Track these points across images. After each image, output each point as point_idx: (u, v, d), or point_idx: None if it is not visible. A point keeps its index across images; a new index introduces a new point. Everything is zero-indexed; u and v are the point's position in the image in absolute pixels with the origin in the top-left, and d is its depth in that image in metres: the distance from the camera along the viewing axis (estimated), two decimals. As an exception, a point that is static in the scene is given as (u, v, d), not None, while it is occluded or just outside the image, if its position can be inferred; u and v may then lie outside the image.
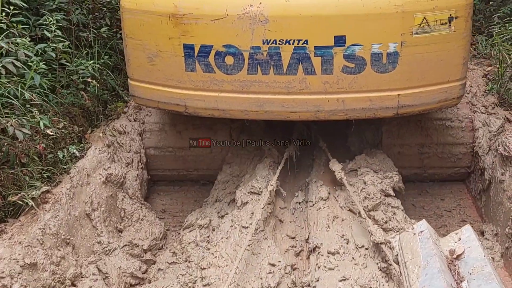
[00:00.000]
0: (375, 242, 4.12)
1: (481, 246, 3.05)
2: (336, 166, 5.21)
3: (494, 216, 5.14)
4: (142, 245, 5.08)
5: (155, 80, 5.00)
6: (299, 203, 5.19)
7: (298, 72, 4.54)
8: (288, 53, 4.49)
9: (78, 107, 5.88)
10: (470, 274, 2.79)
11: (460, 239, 3.15)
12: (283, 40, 4.46)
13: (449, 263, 2.93)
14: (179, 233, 5.22)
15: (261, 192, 4.92)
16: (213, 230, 4.90)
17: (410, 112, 4.75)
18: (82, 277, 4.52)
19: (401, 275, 3.09)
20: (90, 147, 5.49)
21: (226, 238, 4.61)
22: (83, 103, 5.81)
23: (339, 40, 4.42)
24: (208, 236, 4.86)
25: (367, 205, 4.61)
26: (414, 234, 3.27)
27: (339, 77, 4.53)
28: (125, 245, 5.01)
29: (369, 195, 4.70)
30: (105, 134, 5.77)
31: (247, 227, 4.51)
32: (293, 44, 4.45)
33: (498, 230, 5.04)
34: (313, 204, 4.90)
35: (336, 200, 4.94)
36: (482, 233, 5.17)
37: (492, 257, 4.76)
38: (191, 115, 5.05)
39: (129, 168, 5.83)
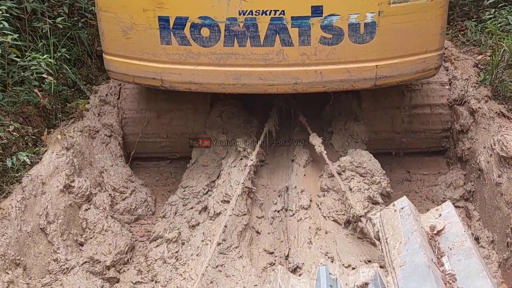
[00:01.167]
0: (355, 215, 4.05)
1: (461, 221, 3.05)
2: (316, 140, 5.08)
3: (490, 221, 4.72)
4: (105, 261, 4.57)
5: (130, 54, 4.87)
6: (278, 211, 4.71)
7: (275, 43, 4.46)
8: (264, 24, 4.41)
9: (34, 106, 5.32)
10: (451, 249, 2.80)
11: (440, 215, 3.14)
12: (259, 10, 4.38)
13: (430, 239, 2.94)
14: (146, 247, 4.71)
15: (236, 200, 4.43)
16: (183, 244, 4.41)
17: (388, 83, 4.72)
18: None
19: (382, 251, 3.06)
20: (46, 151, 4.94)
21: (197, 255, 4.13)
22: (38, 101, 5.24)
23: (316, 10, 4.36)
24: (177, 252, 4.37)
25: (353, 215, 4.14)
26: (395, 210, 3.24)
27: (316, 48, 4.46)
28: (85, 262, 4.50)
29: (356, 203, 4.22)
30: (64, 135, 5.21)
31: (220, 243, 4.02)
32: (269, 14, 4.38)
33: (495, 237, 4.61)
34: (293, 214, 4.43)
35: (319, 208, 4.47)
36: (476, 240, 4.74)
37: (489, 267, 4.34)
38: (167, 89, 4.94)
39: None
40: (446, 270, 2.68)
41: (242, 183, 4.63)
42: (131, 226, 5.20)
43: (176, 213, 4.89)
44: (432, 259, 2.70)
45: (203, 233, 4.33)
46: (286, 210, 4.63)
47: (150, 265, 4.35)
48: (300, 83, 4.61)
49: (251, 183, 4.84)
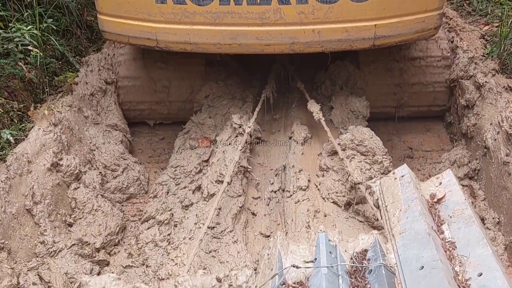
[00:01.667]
0: (353, 182, 3.98)
1: (461, 190, 3.03)
2: (314, 107, 4.92)
3: (496, 201, 4.52)
4: (94, 243, 4.38)
5: (125, 14, 4.71)
6: (275, 191, 4.51)
7: (272, 2, 4.32)
8: (261, -19, 4.25)
9: (19, 80, 5.06)
10: (451, 217, 2.78)
11: (441, 183, 3.11)
12: (255, -34, 4.22)
13: (430, 207, 2.92)
14: (138, 228, 4.51)
15: (231, 181, 4.22)
16: (175, 226, 4.21)
17: (387, 43, 4.61)
18: None
19: (381, 218, 3.05)
20: (32, 127, 4.71)
21: (189, 238, 3.94)
22: (24, 75, 4.99)
23: (314, -33, 4.21)
24: (169, 234, 4.17)
25: (354, 197, 3.94)
26: (395, 178, 3.21)
27: (314, 6, 4.33)
28: (74, 244, 4.31)
29: (356, 185, 4.02)
30: (52, 110, 4.97)
31: (213, 227, 3.82)
32: (266, -29, 4.21)
33: (501, 218, 4.42)
34: (291, 195, 4.23)
35: (318, 189, 4.27)
36: (482, 221, 4.54)
37: (495, 249, 4.15)
38: (162, 49, 4.80)
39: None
40: (446, 238, 2.66)
41: (237, 161, 4.42)
42: (122, 206, 5.00)
43: (168, 193, 4.68)
44: (432, 226, 2.68)
45: (196, 215, 4.14)
46: (283, 190, 4.43)
47: (141, 248, 4.16)
48: (297, 43, 4.47)
49: (247, 162, 4.63)
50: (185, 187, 4.67)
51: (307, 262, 2.59)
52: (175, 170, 4.83)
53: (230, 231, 3.93)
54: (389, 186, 3.19)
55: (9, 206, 4.02)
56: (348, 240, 2.85)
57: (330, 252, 2.64)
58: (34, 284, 3.86)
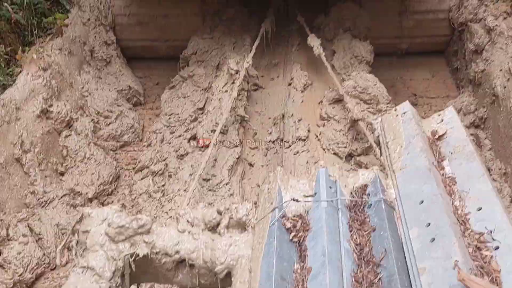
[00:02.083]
0: (353, 119, 3.93)
1: (463, 127, 3.04)
2: (314, 41, 4.71)
3: (503, 152, 4.36)
4: (87, 193, 4.27)
5: None
6: (273, 141, 4.33)
7: None
8: None
9: (6, 21, 4.81)
10: (452, 153, 2.80)
11: (442, 120, 3.09)
12: None
13: (431, 144, 2.92)
14: (132, 177, 4.38)
15: (227, 130, 4.04)
16: (170, 177, 4.07)
17: None
18: (9, 241, 3.76)
19: (381, 155, 3.07)
20: (20, 71, 4.50)
21: (184, 190, 3.80)
22: (11, 16, 4.74)
23: None
24: (163, 185, 4.04)
25: (356, 148, 3.77)
26: (397, 115, 3.19)
27: None
28: (65, 194, 4.21)
29: (358, 135, 3.85)
30: (41, 54, 4.74)
31: (209, 179, 3.67)
32: None
33: (508, 169, 4.27)
34: (290, 146, 4.06)
35: (318, 139, 4.10)
36: (488, 170, 4.38)
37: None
38: None
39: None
40: (447, 174, 2.68)
41: (234, 109, 4.23)
42: (116, 154, 4.84)
43: (162, 141, 4.51)
44: (433, 162, 2.70)
45: (191, 165, 3.98)
46: (282, 141, 4.26)
47: (134, 199, 4.04)
48: None
49: (244, 110, 4.42)
50: (180, 136, 4.49)
51: (307, 196, 2.59)
52: (169, 118, 4.64)
53: (226, 184, 3.79)
54: (390, 123, 3.17)
55: (-4, 155, 3.88)
56: (348, 176, 2.82)
57: (330, 187, 2.62)
58: (24, 235, 3.80)
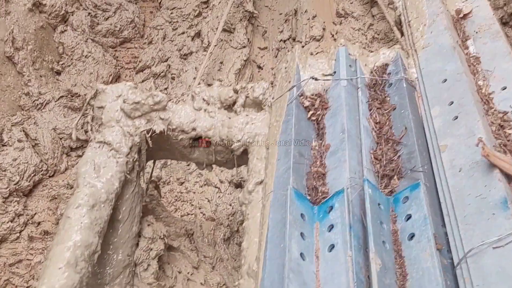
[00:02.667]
0: None
1: (489, 5, 2.87)
2: None
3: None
4: (85, 94, 4.01)
5: None
6: (284, 41, 3.99)
7: None
8: None
9: None
10: (476, 32, 2.70)
11: None
12: None
13: (455, 23, 2.82)
14: (133, 78, 4.11)
15: (234, 29, 3.69)
16: (173, 79, 3.79)
17: None
18: (3, 146, 3.58)
19: (402, 35, 2.96)
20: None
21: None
22: None
23: None
24: (166, 88, 3.79)
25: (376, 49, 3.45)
26: None
27: None
28: (62, 96, 3.96)
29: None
30: None
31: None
32: None
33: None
34: (303, 46, 3.72)
35: (334, 39, 3.76)
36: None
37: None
38: None
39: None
40: (471, 53, 2.59)
41: (242, 4, 3.85)
42: (115, 51, 4.53)
43: (164, 39, 4.18)
44: (457, 41, 2.62)
45: (195, 67, 3.68)
46: (294, 40, 3.91)
47: (134, 103, 3.78)
48: None
49: (253, 6, 4.03)
50: (183, 33, 4.16)
51: (326, 75, 2.53)
52: (171, 13, 4.26)
53: (233, 89, 3.50)
54: (413, 1, 3.04)
55: (-14, 53, 3.60)
56: (369, 55, 2.72)
57: (350, 65, 2.54)
58: (19, 141, 3.62)
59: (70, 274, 1.80)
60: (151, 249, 2.45)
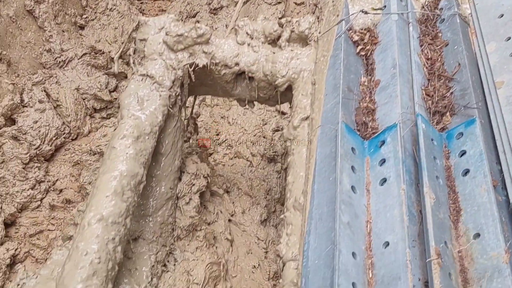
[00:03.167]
0: None
1: None
2: None
3: None
4: (110, 52, 3.91)
5: None
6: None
7: None
8: None
9: None
10: None
11: None
12: None
13: None
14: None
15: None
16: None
17: None
18: (24, 107, 3.38)
19: None
20: None
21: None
22: None
23: None
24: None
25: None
26: None
27: None
28: (86, 53, 3.82)
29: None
30: None
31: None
32: None
33: None
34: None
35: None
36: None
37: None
38: None
39: None
40: None
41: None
42: (141, 3, 4.42)
43: (193, -10, 4.07)
44: None
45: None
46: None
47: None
48: None
49: None
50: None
51: (376, 9, 2.45)
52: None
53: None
54: None
55: (5, 7, 3.50)
56: None
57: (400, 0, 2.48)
58: (40, 102, 3.42)
59: (117, 203, 1.81)
60: (193, 184, 2.43)
